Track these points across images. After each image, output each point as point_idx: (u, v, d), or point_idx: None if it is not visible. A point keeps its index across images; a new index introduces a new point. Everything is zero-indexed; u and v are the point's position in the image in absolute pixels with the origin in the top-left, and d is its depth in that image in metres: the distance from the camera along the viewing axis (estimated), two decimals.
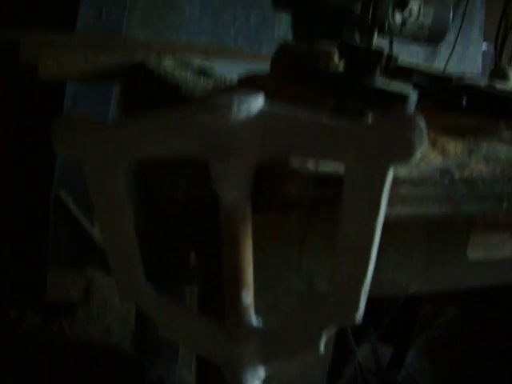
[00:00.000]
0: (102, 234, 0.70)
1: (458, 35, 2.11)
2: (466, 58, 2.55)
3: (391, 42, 0.96)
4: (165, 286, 0.81)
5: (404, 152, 0.58)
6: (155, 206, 1.31)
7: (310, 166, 0.65)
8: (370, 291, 0.69)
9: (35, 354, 2.35)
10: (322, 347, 0.69)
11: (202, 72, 1.19)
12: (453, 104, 0.87)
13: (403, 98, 0.69)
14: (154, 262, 0.73)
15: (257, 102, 0.59)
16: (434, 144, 0.80)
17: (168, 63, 1.31)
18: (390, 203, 0.64)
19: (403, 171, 0.70)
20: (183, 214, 1.12)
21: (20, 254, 2.59)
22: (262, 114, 0.59)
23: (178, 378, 2.19)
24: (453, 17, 1.00)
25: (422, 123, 0.57)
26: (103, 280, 2.63)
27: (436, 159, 0.76)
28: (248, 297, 0.68)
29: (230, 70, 1.19)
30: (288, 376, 1.12)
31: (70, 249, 2.55)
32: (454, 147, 0.82)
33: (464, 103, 0.87)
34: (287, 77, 0.84)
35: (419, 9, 0.93)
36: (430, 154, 0.76)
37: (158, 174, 1.25)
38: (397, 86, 0.74)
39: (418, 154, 0.58)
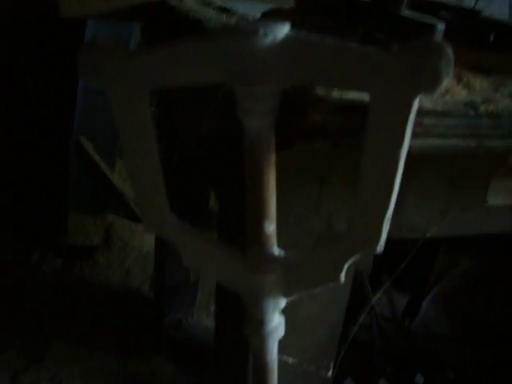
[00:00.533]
0: (126, 161, 0.70)
1: None
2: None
3: None
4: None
5: (431, 80, 0.57)
6: (177, 142, 1.31)
7: (335, 93, 0.65)
8: (389, 234, 0.70)
9: (56, 296, 2.39)
10: (342, 278, 0.70)
11: (225, 10, 1.18)
12: (479, 40, 0.85)
13: (430, 28, 0.68)
14: (174, 202, 0.73)
15: (283, 28, 0.59)
16: (459, 79, 0.79)
17: (189, 1, 1.29)
18: (414, 134, 0.64)
19: (428, 102, 0.70)
20: (206, 150, 1.13)
21: (41, 199, 2.62)
22: (288, 39, 0.59)
23: (196, 321, 2.22)
24: None
25: (449, 51, 0.56)
26: (123, 224, 2.66)
27: (461, 93, 0.75)
28: (270, 226, 0.69)
29: (252, 10, 1.18)
30: (306, 315, 1.14)
31: (90, 194, 2.57)
32: (480, 83, 0.81)
33: (491, 39, 0.86)
34: (313, 8, 0.83)
35: None
36: (454, 88, 0.75)
37: (180, 108, 1.25)
38: (424, 18, 0.72)
39: (444, 83, 0.57)
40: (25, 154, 2.53)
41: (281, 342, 0.92)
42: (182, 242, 0.74)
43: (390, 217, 0.66)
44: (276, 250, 0.71)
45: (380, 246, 0.66)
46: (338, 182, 0.97)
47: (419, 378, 1.85)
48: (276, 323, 0.77)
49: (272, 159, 0.66)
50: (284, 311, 0.93)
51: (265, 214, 0.68)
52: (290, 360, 1.17)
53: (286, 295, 0.74)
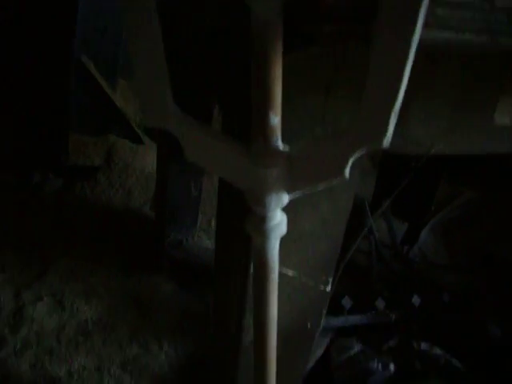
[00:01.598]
0: (130, 48, 0.68)
1: None
2: None
3: None
4: None
5: None
6: (180, 40, 1.28)
7: None
8: (394, 147, 0.68)
9: (57, 216, 2.41)
10: (347, 174, 0.69)
11: None
12: None
13: None
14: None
15: None
16: None
17: None
18: (426, 24, 0.62)
19: None
20: (209, 44, 1.10)
21: (42, 120, 2.60)
22: None
23: (196, 241, 2.24)
24: None
25: None
26: (124, 145, 2.65)
27: None
28: (276, 118, 0.67)
29: None
30: (307, 228, 1.14)
31: (92, 114, 2.55)
32: None
33: None
34: None
35: None
36: None
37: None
38: None
39: None
40: (25, 75, 2.49)
41: (281, 254, 0.92)
42: (185, 135, 0.72)
43: (398, 112, 0.64)
44: (280, 144, 0.70)
45: (386, 140, 0.65)
46: (344, 92, 0.95)
47: (416, 300, 1.88)
48: (278, 220, 0.77)
49: (279, 48, 0.64)
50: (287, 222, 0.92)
51: (270, 106, 0.67)
52: (290, 272, 1.18)
53: (289, 191, 0.73)
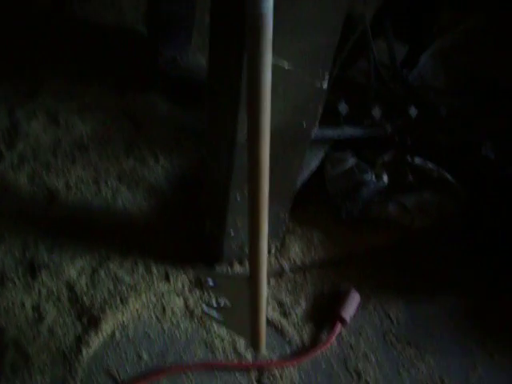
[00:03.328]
0: None
1: None
2: None
3: None
4: None
5: None
6: None
7: None
8: None
9: (48, 36, 2.33)
10: None
11: None
12: None
13: None
14: None
15: None
16: None
17: None
18: None
19: None
20: None
21: None
22: None
23: (190, 59, 2.19)
24: None
25: None
26: None
27: None
28: None
29: None
30: (304, 16, 1.08)
31: None
32: None
33: None
34: None
35: None
36: None
37: None
38: None
39: None
40: None
41: (276, 44, 0.88)
42: None
43: None
44: None
45: None
46: None
47: (413, 111, 1.86)
48: None
49: None
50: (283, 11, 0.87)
51: None
52: (286, 65, 1.14)
53: None
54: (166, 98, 2.13)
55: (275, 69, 0.95)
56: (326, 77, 1.23)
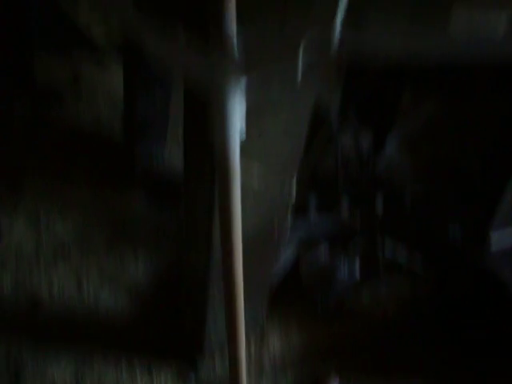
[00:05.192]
0: None
1: None
2: None
3: None
4: None
5: None
6: None
7: None
8: (354, 58, 0.69)
9: (26, 140, 2.40)
10: (300, 56, 0.72)
11: None
12: None
13: None
14: None
15: None
16: None
17: None
18: None
19: None
20: None
21: (6, 42, 2.54)
22: None
23: (167, 153, 2.27)
24: None
25: None
26: (91, 67, 2.62)
27: None
28: (231, 25, 0.69)
29: None
30: (270, 129, 1.16)
31: (56, 32, 2.50)
32: None
33: None
34: None
35: None
36: None
37: None
38: None
39: None
40: None
41: (245, 157, 0.95)
42: (148, 35, 0.74)
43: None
44: (235, 29, 0.72)
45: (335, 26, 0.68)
46: None
47: (379, 202, 1.95)
48: (238, 99, 0.79)
49: None
50: (249, 126, 0.94)
51: (226, 16, 0.69)
52: (256, 172, 1.21)
53: (246, 73, 0.75)
54: (143, 196, 2.19)
55: (244, 189, 1.02)
56: (294, 183, 1.31)
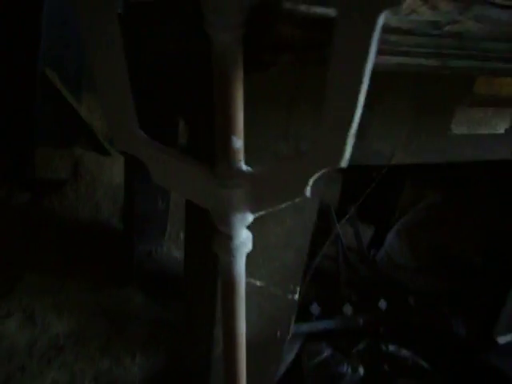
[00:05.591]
0: (95, 73, 0.70)
1: None
2: None
3: None
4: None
5: None
6: (143, 63, 1.30)
7: (302, 7, 0.65)
8: (355, 160, 0.71)
9: (25, 230, 2.39)
10: (308, 192, 0.72)
11: None
12: None
13: None
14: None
15: None
16: (425, 0, 0.80)
17: None
18: (380, 51, 0.65)
19: (394, 21, 0.71)
20: (173, 68, 1.12)
21: (7, 133, 2.58)
22: None
23: (165, 252, 2.24)
24: None
25: None
26: (91, 158, 2.64)
27: (426, 13, 0.76)
28: (238, 142, 0.70)
29: None
30: (273, 240, 1.16)
31: (58, 127, 2.54)
32: (446, 5, 0.82)
33: None
34: None
35: None
36: (420, 8, 0.76)
37: (147, 27, 1.23)
38: None
39: (407, 1, 0.58)
40: None
41: (248, 266, 0.94)
42: (151, 158, 0.75)
43: (354, 133, 0.67)
44: (243, 166, 0.73)
45: (344, 161, 0.68)
46: (307, 107, 0.98)
47: (382, 304, 1.91)
48: (244, 238, 0.80)
49: (240, 74, 0.67)
50: (253, 236, 0.94)
51: (233, 130, 0.69)
52: (258, 282, 1.21)
53: (253, 211, 0.76)
54: (141, 292, 2.15)
55: (248, 285, 1.00)
56: (297, 289, 1.29)
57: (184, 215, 1.37)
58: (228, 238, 0.79)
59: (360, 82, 0.64)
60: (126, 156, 2.20)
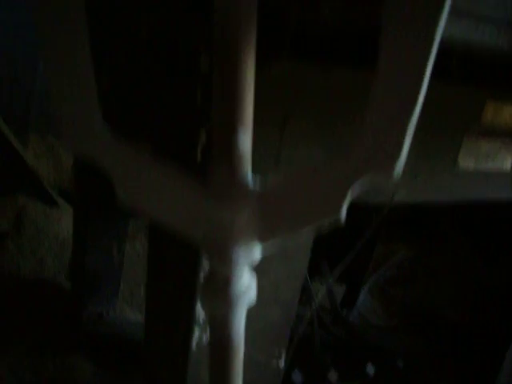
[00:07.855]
0: (45, 58, 0.49)
1: None
2: None
3: None
4: None
5: None
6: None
7: None
8: (355, 198, 0.53)
9: None
10: (343, 213, 0.50)
11: None
12: None
13: None
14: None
15: None
16: None
17: None
18: None
19: None
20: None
21: None
22: None
23: (118, 314, 2.06)
24: None
25: None
26: (36, 208, 2.44)
27: None
28: (245, 140, 0.49)
29: None
30: (257, 295, 0.99)
31: (0, 172, 2.37)
32: None
33: None
34: None
35: None
36: None
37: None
38: None
39: None
40: None
41: None
42: (118, 166, 0.52)
43: (414, 127, 0.48)
44: (250, 176, 0.51)
45: (399, 166, 0.48)
46: (302, 127, 0.90)
47: (370, 369, 1.80)
48: (247, 282, 0.57)
49: (252, 50, 0.47)
50: None
51: (238, 123, 0.48)
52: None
53: (263, 240, 0.53)
54: (90, 360, 1.92)
55: None
56: (283, 354, 1.14)
57: (139, 267, 1.20)
58: (225, 283, 0.55)
59: (428, 52, 0.45)
60: (75, 202, 2.06)
